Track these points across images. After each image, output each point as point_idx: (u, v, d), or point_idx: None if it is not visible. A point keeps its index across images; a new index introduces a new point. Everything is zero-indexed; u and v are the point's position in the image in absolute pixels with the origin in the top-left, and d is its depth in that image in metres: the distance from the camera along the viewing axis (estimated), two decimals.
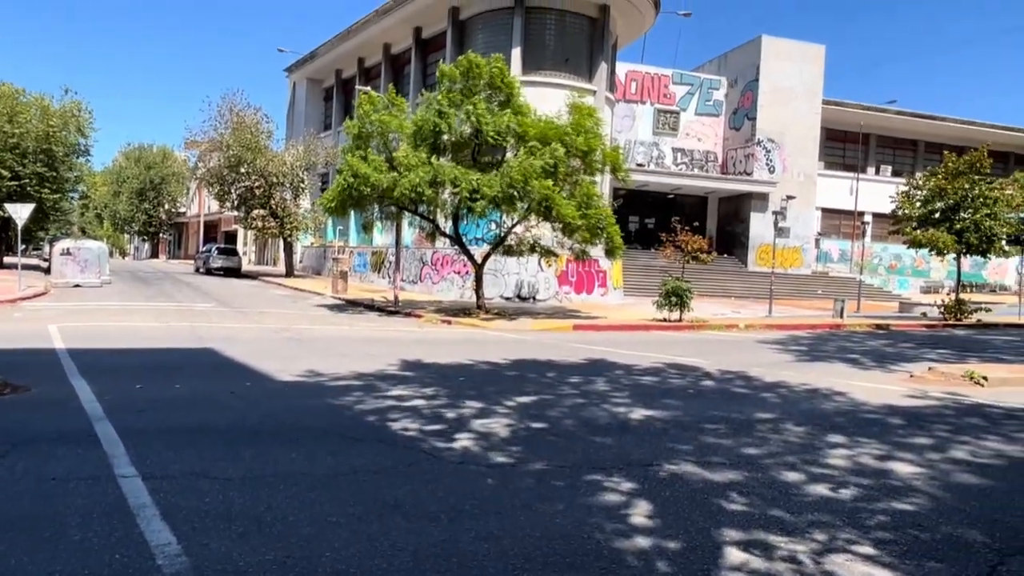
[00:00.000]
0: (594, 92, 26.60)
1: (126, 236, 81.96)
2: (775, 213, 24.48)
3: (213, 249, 36.12)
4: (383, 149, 18.81)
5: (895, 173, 43.96)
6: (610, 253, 18.96)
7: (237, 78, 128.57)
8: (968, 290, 44.80)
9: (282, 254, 39.68)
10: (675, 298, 18.06)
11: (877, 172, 44.62)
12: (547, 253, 19.74)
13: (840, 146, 43.85)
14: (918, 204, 21.47)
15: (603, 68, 26.73)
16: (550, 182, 16.57)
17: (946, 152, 22.64)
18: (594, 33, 26.72)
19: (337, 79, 38.31)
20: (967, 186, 20.21)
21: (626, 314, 21.36)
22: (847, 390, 8.78)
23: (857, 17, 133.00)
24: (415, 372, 9.61)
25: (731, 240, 38.91)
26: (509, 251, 20.51)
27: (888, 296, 37.07)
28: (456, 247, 21.03)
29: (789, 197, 37.26)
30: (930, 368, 9.99)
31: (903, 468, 5.47)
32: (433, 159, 17.85)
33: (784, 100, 37.15)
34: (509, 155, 17.97)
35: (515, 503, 4.48)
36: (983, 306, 21.53)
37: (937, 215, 20.87)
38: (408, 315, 19.48)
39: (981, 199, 20.00)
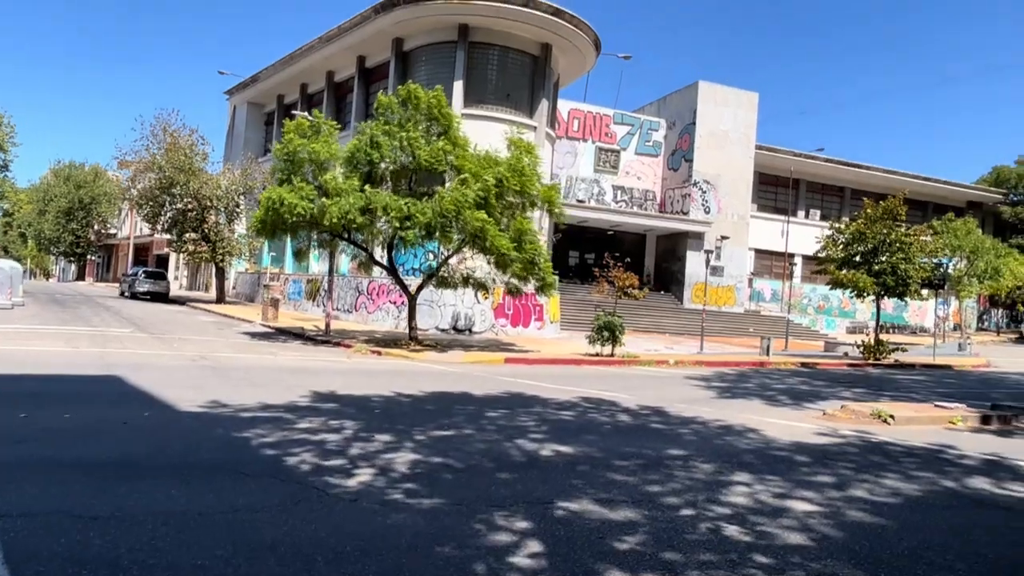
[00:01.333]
0: (535, 128, 26.95)
1: (52, 257, 78.39)
2: (707, 252, 25.06)
3: (139, 272, 34.67)
4: (315, 176, 18.53)
5: (823, 217, 45.78)
6: (542, 289, 18.98)
7: (178, 99, 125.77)
8: (891, 331, 46.89)
9: (214, 279, 38.52)
10: (607, 333, 18.16)
11: (807, 216, 46.45)
12: (480, 286, 19.64)
13: (772, 190, 45.54)
14: (841, 247, 22.35)
15: (544, 105, 27.15)
16: (483, 213, 16.55)
17: (866, 199, 23.72)
18: (536, 70, 27.18)
19: (279, 104, 37.82)
20: (884, 231, 21.16)
21: (560, 348, 21.37)
22: (761, 427, 8.87)
23: (792, 65, 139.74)
24: (330, 404, 9.29)
25: (668, 277, 39.70)
26: (444, 282, 20.34)
27: (815, 335, 38.25)
28: (391, 277, 20.73)
29: (723, 237, 38.41)
30: (843, 406, 10.21)
31: (801, 506, 5.48)
32: (368, 188, 17.65)
33: (720, 144, 38.43)
34: (447, 186, 17.92)
35: (400, 544, 4.27)
36: (900, 347, 22.41)
37: (858, 258, 21.75)
38: (337, 344, 19.02)
39: (897, 244, 20.96)
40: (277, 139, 39.18)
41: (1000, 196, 52.48)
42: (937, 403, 10.50)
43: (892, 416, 9.37)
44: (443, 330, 25.01)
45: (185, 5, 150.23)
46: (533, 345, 22.00)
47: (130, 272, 37.35)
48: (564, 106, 38.49)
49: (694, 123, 38.22)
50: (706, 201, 38.44)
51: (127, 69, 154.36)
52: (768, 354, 20.42)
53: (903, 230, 21.56)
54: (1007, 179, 53.36)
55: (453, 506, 5.10)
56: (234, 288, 39.87)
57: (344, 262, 27.76)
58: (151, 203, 30.61)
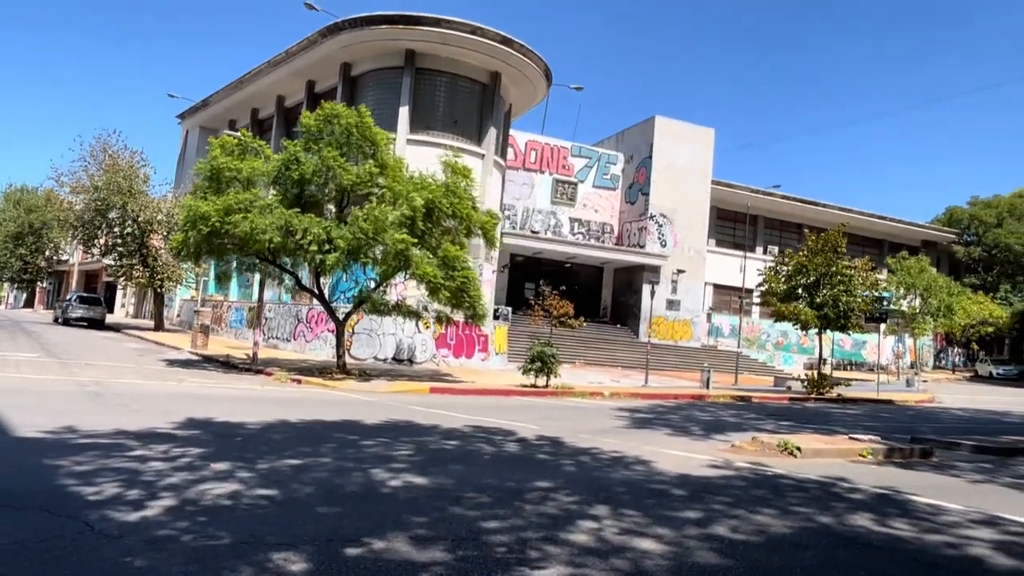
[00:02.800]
0: (482, 156, 26.63)
1: (3, 284, 75.88)
2: (651, 283, 24.66)
3: (73, 298, 33.29)
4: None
5: (781, 253, 46.05)
6: (474, 319, 18.32)
7: (134, 124, 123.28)
8: (848, 368, 46.96)
9: (164, 307, 37.28)
10: (539, 363, 17.54)
11: (764, 251, 46.58)
12: (412, 314, 18.93)
13: (731, 225, 45.69)
14: (783, 280, 22.10)
15: (492, 133, 26.86)
16: (405, 235, 15.94)
17: (807, 231, 23.62)
18: (485, 98, 26.95)
19: (231, 129, 37.12)
20: (825, 264, 20.96)
21: (497, 379, 20.66)
22: (655, 459, 8.24)
23: (755, 101, 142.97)
24: (194, 431, 8.49)
25: (624, 311, 39.32)
26: (377, 310, 19.62)
27: (771, 371, 37.94)
28: (320, 303, 19.96)
29: (679, 271, 38.32)
30: (753, 438, 9.64)
31: (645, 545, 4.83)
32: (294, 211, 16.95)
33: (676, 178, 38.51)
34: (364, 208, 17.32)
35: None
36: (845, 382, 22.05)
37: (800, 290, 21.50)
38: (259, 373, 18.13)
39: (839, 276, 20.75)
40: None
41: (953, 236, 53.35)
42: (851, 435, 9.98)
43: (799, 448, 8.81)
44: (382, 360, 24.17)
45: (140, 29, 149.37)
46: (471, 376, 21.26)
47: (65, 298, 35.94)
48: (521, 137, 38.44)
49: (650, 157, 38.32)
50: (662, 235, 38.34)
51: (80, 93, 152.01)
52: (708, 387, 19.92)
53: (844, 263, 21.38)
54: (960, 219, 54.33)
55: (231, 545, 4.36)
56: (178, 315, 38.63)
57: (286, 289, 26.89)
58: (85, 226, 29.54)
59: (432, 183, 17.63)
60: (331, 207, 18.86)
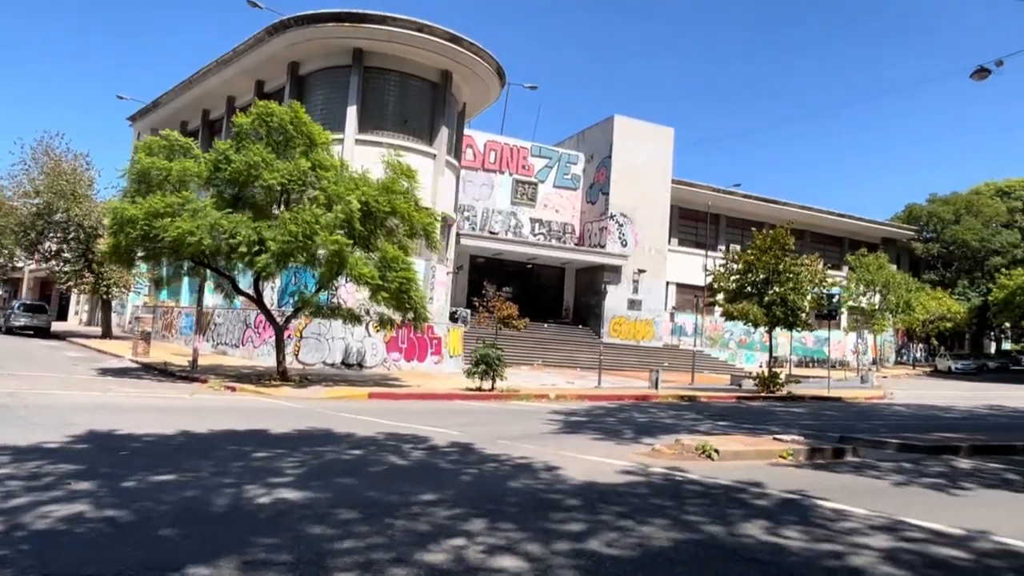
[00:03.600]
0: (434, 156, 26.20)
1: None
2: (606, 282, 24.42)
3: (16, 306, 32.24)
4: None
5: (729, 252, 46.18)
6: (416, 321, 17.88)
7: (79, 126, 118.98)
8: (811, 365, 47.30)
9: (115, 314, 36.26)
10: (483, 366, 17.16)
11: (727, 250, 46.63)
12: (352, 317, 18.43)
13: (693, 224, 45.76)
14: (734, 278, 21.97)
15: (444, 132, 26.44)
16: (340, 236, 15.48)
17: (754, 229, 23.55)
18: (436, 97, 26.52)
19: (183, 130, 36.14)
20: (773, 261, 20.87)
21: (445, 383, 20.22)
22: (566, 465, 7.89)
23: (723, 99, 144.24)
24: (83, 445, 7.99)
25: (587, 311, 39.11)
26: (319, 314, 19.13)
27: (732, 369, 37.92)
28: (258, 307, 19.38)
29: (640, 271, 38.22)
30: (676, 440, 9.35)
31: (506, 563, 4.47)
32: (226, 214, 16.36)
33: (636, 177, 38.41)
34: (293, 209, 16.81)
35: None
36: (794, 379, 21.97)
37: (749, 288, 21.38)
38: (194, 380, 17.49)
39: (787, 274, 20.67)
40: None
41: (912, 233, 54.06)
42: (776, 436, 9.75)
43: (717, 451, 8.54)
44: (331, 364, 23.62)
45: (86, 25, 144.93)
46: (419, 380, 20.81)
47: (8, 306, 34.78)
48: (480, 138, 38.09)
49: (610, 156, 38.20)
50: (623, 234, 38.21)
51: (23, 94, 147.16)
52: (657, 388, 19.70)
53: (792, 260, 21.30)
54: (919, 216, 55.08)
55: None
56: (130, 323, 37.57)
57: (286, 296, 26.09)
58: (27, 231, 28.53)
59: (370, 182, 17.18)
60: (279, 209, 18.33)
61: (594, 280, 38.64)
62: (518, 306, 40.09)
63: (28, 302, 34.06)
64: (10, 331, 30.55)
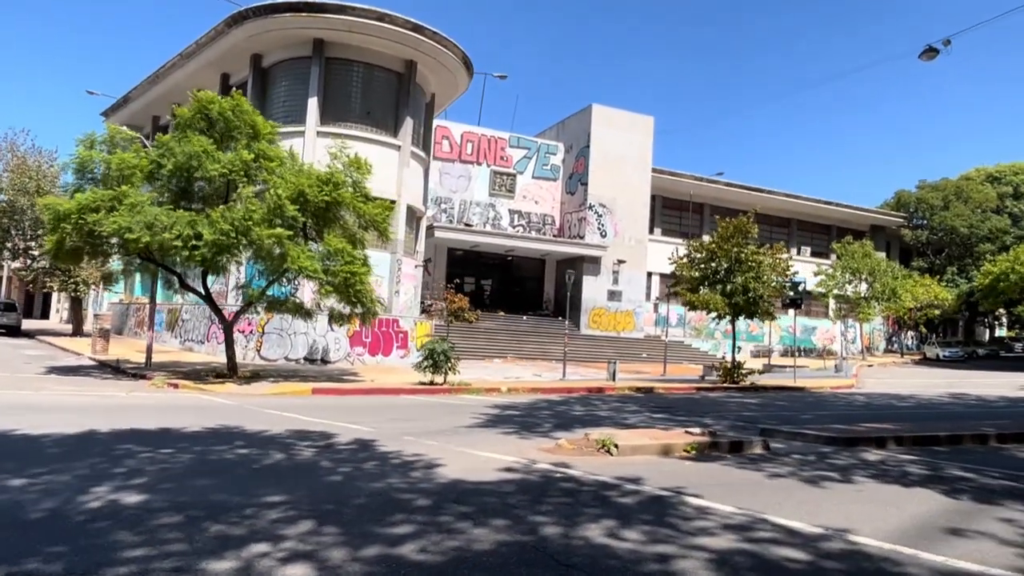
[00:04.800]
0: (398, 147, 25.88)
1: None
2: (568, 273, 24.12)
3: None
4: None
5: (691, 241, 45.81)
6: (364, 317, 17.62)
7: (50, 123, 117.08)
8: (797, 355, 46.79)
9: (89, 312, 36.13)
10: (430, 361, 16.91)
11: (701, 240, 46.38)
12: (301, 311, 18.16)
13: (676, 214, 45.34)
14: (699, 267, 21.64)
15: (409, 123, 26.10)
16: (279, 229, 15.20)
17: (718, 217, 23.17)
18: (400, 88, 26.17)
19: (154, 125, 35.95)
20: (735, 250, 20.53)
21: (401, 377, 19.98)
22: (451, 462, 7.63)
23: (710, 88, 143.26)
24: None
25: (567, 303, 38.75)
26: (275, 308, 18.86)
27: (714, 360, 37.67)
28: (206, 303, 19.11)
29: (620, 261, 37.88)
30: (586, 435, 9.08)
31: (296, 571, 4.23)
32: (165, 209, 16.09)
33: (615, 167, 37.99)
34: (228, 202, 16.53)
35: None
36: (756, 370, 21.64)
37: (712, 277, 21.05)
38: (140, 378, 17.29)
39: (748, 263, 20.32)
40: None
41: (902, 220, 53.54)
42: (688, 429, 9.47)
43: (616, 446, 8.27)
44: (294, 360, 23.40)
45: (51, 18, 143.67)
46: (377, 375, 20.58)
47: None
48: (457, 129, 37.74)
49: (588, 146, 37.78)
50: (602, 225, 37.84)
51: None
52: (614, 380, 19.42)
53: (754, 248, 20.94)
54: (908, 203, 54.57)
55: None
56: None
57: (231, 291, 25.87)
58: None
59: (311, 173, 16.88)
60: (216, 202, 18.05)
61: (574, 271, 38.27)
62: (494, 298, 39.97)
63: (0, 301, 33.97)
64: None
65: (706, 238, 24.86)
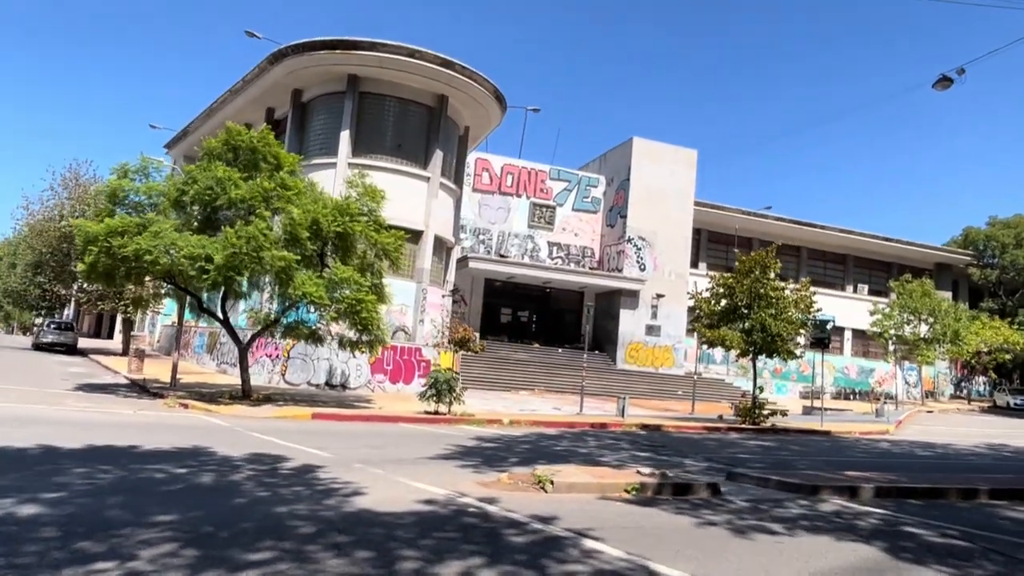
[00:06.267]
0: (427, 178, 26.33)
1: (33, 312, 78.49)
2: (588, 306, 23.78)
3: (47, 324, 34.34)
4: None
5: (780, 278, 44.36)
6: (370, 344, 17.82)
7: (122, 154, 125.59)
8: (851, 398, 44.76)
9: (144, 332, 37.89)
10: (432, 391, 16.91)
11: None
12: (314, 337, 18.53)
13: (723, 248, 44.31)
14: (722, 302, 20.98)
15: (438, 155, 26.55)
16: (286, 253, 15.66)
17: (737, 251, 22.49)
18: (431, 121, 26.73)
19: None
20: (754, 285, 19.81)
21: (411, 406, 19.98)
22: (376, 492, 7.53)
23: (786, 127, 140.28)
24: None
25: (604, 336, 38.24)
26: (290, 333, 19.33)
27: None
28: (223, 326, 19.74)
29: (659, 295, 37.20)
30: (533, 470, 8.84)
31: None
32: (185, 234, 16.82)
33: (655, 200, 37.58)
34: (237, 226, 17.08)
35: None
36: (781, 411, 20.64)
37: (734, 314, 20.36)
38: (159, 397, 17.91)
39: (767, 299, 19.57)
40: None
41: (970, 258, 50.75)
42: (638, 469, 9.07)
43: (552, 482, 8.01)
44: (315, 385, 23.82)
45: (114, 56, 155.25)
46: (390, 402, 20.68)
47: (41, 325, 36.93)
48: (497, 161, 38.18)
49: (628, 179, 37.54)
50: (641, 258, 37.34)
51: (70, 126, 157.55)
52: (623, 415, 18.89)
53: (774, 284, 20.15)
54: (976, 240, 51.74)
55: None
56: (158, 341, 39.10)
57: (240, 314, 26.78)
58: (53, 253, 30.16)
59: (326, 202, 17.34)
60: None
61: (612, 305, 37.85)
62: (532, 330, 39.79)
63: (57, 321, 36.13)
64: (39, 347, 32.42)
65: (704, 266, 24.14)
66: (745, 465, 11.51)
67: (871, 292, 47.75)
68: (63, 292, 56.10)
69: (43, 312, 67.81)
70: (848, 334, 47.21)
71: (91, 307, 31.60)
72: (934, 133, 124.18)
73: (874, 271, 49.22)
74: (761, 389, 22.04)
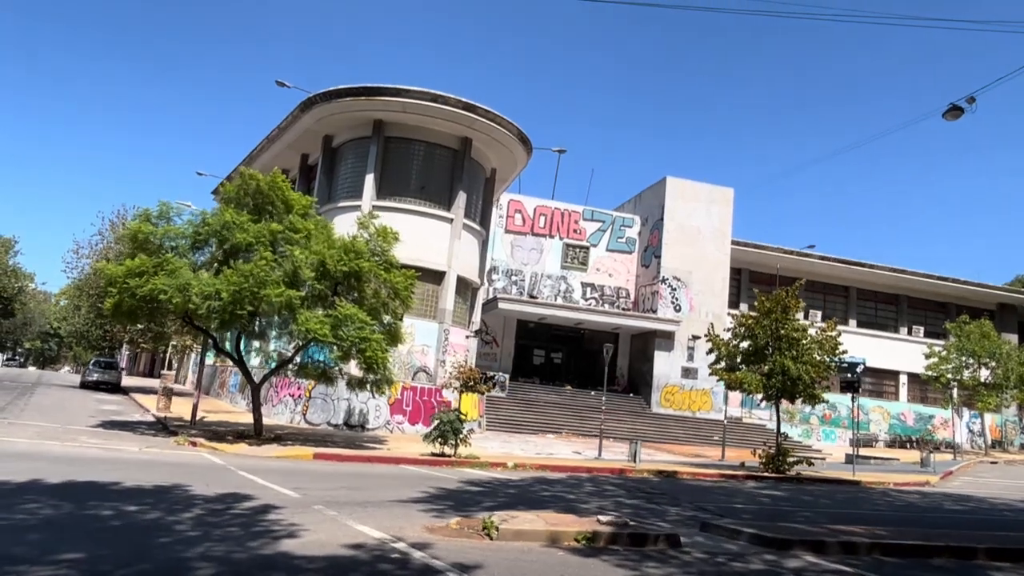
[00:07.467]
0: (451, 220, 26.56)
1: (95, 352, 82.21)
2: (606, 348, 23.24)
3: (91, 363, 35.91)
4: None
5: (825, 317, 42.67)
6: (378, 385, 17.82)
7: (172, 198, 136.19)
8: (907, 446, 42.26)
9: (190, 371, 38.97)
10: (436, 432, 16.69)
11: (806, 316, 43.27)
12: (324, 376, 18.65)
13: (766, 288, 42.77)
14: (744, 343, 20.21)
15: (462, 197, 26.81)
16: (290, 291, 15.91)
17: (758, 291, 21.71)
18: (455, 164, 27.09)
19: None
20: (774, 326, 19.01)
21: (419, 448, 19.78)
22: (312, 535, 7.33)
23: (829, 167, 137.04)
24: None
25: (639, 379, 37.38)
26: (301, 374, 19.59)
27: (798, 447, 34.63)
28: (237, 366, 20.08)
29: (695, 337, 36.23)
30: (486, 516, 8.49)
31: None
32: (198, 274, 17.33)
33: (690, 240, 36.99)
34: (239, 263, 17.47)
35: None
36: (806, 459, 19.53)
37: (754, 356, 19.55)
38: (172, 434, 18.24)
39: (788, 339, 18.74)
40: None
41: None
42: (599, 517, 8.58)
43: (497, 528, 7.66)
44: (335, 425, 23.90)
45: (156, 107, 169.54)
46: (402, 443, 20.52)
47: (87, 364, 38.50)
48: (530, 203, 38.35)
49: (662, 219, 37.10)
50: (676, 299, 36.60)
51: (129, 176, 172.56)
52: (636, 461, 18.19)
53: (795, 324, 19.30)
54: None
55: None
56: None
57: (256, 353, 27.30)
58: (100, 295, 31.47)
59: (334, 243, 17.62)
60: None
61: (646, 346, 37.09)
62: (565, 371, 39.20)
63: (102, 360, 37.56)
64: (84, 385, 33.78)
65: (813, 315, 23.22)
66: (736, 516, 10.83)
67: (927, 334, 45.42)
68: (122, 333, 58.56)
69: (104, 352, 71.17)
70: (904, 378, 44.92)
71: (134, 347, 32.78)
72: (989, 167, 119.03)
73: (930, 312, 46.95)
74: (786, 436, 20.95)
